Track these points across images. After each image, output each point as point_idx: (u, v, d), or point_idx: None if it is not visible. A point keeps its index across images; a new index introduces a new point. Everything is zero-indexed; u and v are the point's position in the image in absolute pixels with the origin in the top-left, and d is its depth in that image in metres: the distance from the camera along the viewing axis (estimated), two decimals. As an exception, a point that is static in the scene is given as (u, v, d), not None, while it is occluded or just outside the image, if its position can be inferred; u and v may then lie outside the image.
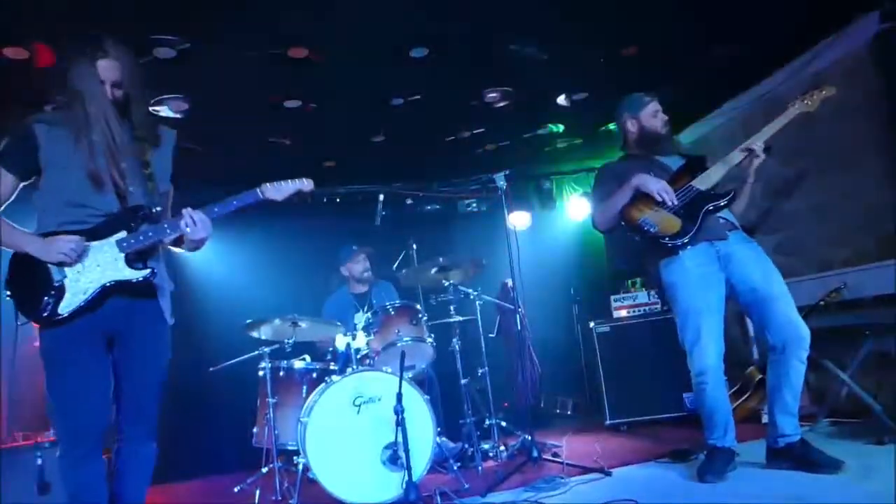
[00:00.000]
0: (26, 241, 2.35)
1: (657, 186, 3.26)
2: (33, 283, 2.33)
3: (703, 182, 3.29)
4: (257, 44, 3.87)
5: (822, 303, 4.15)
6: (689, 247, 3.23)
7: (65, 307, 2.32)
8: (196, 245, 2.59)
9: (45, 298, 2.31)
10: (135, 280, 2.42)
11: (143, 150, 2.49)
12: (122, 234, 2.43)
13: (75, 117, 2.37)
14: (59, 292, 2.32)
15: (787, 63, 4.89)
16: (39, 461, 4.20)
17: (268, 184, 2.69)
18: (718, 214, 3.29)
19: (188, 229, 2.47)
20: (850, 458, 3.02)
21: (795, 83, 4.82)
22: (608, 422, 5.23)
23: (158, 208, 2.51)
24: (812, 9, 4.15)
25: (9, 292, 2.35)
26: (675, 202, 3.24)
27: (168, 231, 2.49)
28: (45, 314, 2.30)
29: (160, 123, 2.64)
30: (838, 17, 4.34)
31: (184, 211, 2.48)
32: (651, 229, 3.27)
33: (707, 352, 3.21)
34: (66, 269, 2.34)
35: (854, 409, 4.08)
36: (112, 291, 2.39)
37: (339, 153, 5.81)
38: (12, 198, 2.46)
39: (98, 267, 2.38)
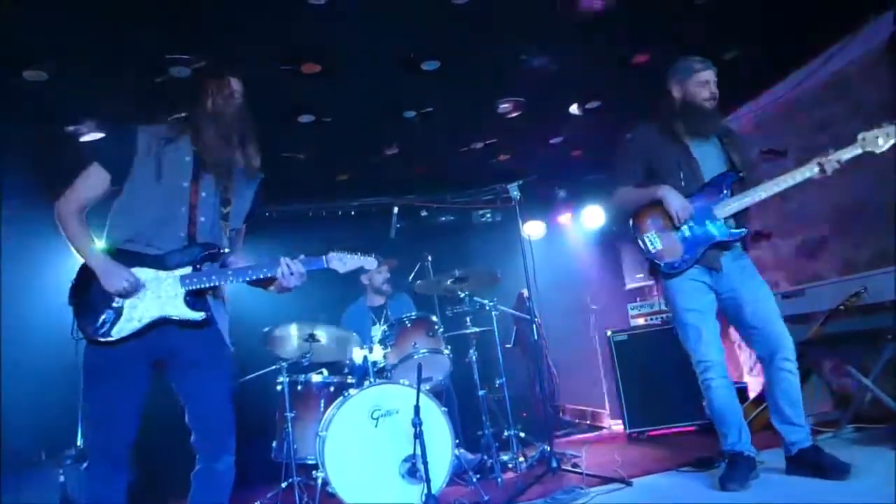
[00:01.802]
0: (92, 257, 2.39)
1: (677, 208, 3.21)
2: (95, 299, 2.37)
3: (723, 209, 3.22)
4: (270, 60, 3.91)
5: (842, 307, 4.10)
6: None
7: (117, 331, 2.35)
8: (285, 291, 2.61)
9: (103, 318, 2.35)
10: (188, 320, 2.44)
11: (228, 187, 2.55)
12: (187, 269, 2.45)
13: (178, 135, 2.48)
14: (117, 314, 2.36)
15: (802, 65, 4.86)
16: (62, 478, 4.24)
17: (334, 254, 2.64)
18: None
19: (283, 279, 2.51)
20: (875, 463, 2.98)
21: (811, 85, 4.79)
22: (628, 431, 5.19)
23: (227, 249, 2.57)
24: (826, 11, 4.13)
25: (73, 303, 2.39)
26: (688, 227, 3.23)
27: (231, 280, 2.51)
28: (100, 333, 2.34)
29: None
30: (852, 18, 4.32)
31: (282, 260, 2.51)
32: (652, 248, 3.30)
33: (710, 347, 3.22)
34: None
35: (879, 415, 4.02)
36: (164, 323, 2.42)
37: (353, 166, 5.84)
38: (101, 197, 2.48)
39: (158, 298, 2.41)
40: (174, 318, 2.42)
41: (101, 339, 2.34)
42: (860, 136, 3.05)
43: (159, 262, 2.43)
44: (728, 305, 3.27)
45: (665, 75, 3.44)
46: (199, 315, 2.45)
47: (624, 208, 3.44)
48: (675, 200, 3.23)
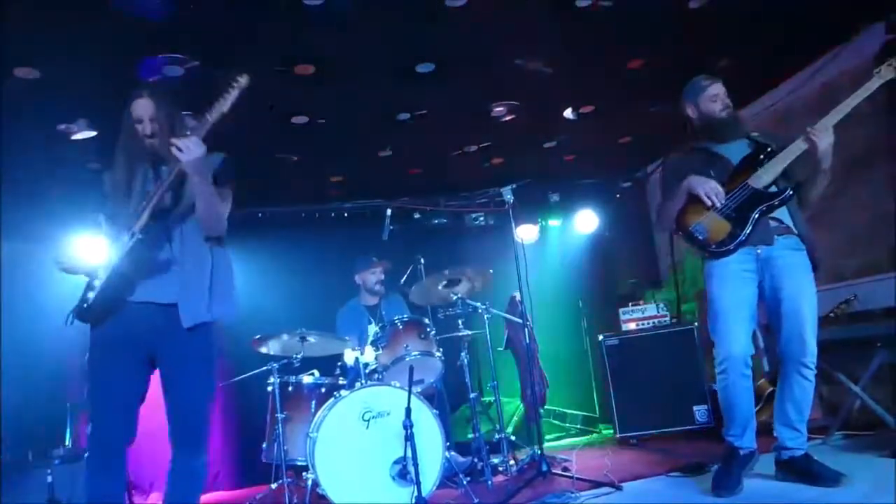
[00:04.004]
0: None
1: (705, 188, 3.18)
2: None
3: (758, 179, 3.16)
4: (264, 61, 3.90)
5: (832, 314, 4.12)
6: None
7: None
8: (195, 168, 2.49)
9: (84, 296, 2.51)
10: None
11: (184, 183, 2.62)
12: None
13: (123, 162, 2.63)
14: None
15: (794, 74, 4.89)
16: (49, 478, 4.21)
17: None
18: (771, 216, 3.19)
19: (182, 155, 2.42)
20: (863, 471, 2.99)
21: (803, 94, 4.82)
22: (618, 435, 5.20)
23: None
24: (819, 20, 4.16)
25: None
26: (723, 203, 3.16)
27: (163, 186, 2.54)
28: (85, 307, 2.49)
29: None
30: (844, 28, 4.35)
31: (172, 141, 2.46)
32: (700, 236, 3.24)
33: (732, 340, 3.17)
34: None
35: (867, 422, 4.05)
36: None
37: (346, 168, 5.84)
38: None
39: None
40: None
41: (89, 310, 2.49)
42: (875, 70, 3.08)
43: None
44: (768, 295, 3.21)
45: (680, 96, 3.46)
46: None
47: (667, 220, 3.41)
48: (698, 182, 3.21)
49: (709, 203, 3.18)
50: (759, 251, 3.18)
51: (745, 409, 3.21)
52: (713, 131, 3.35)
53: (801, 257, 3.22)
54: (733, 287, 3.20)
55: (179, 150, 2.42)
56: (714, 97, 3.34)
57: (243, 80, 2.62)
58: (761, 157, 3.21)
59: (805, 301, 3.15)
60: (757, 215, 3.15)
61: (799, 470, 3.09)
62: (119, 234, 2.51)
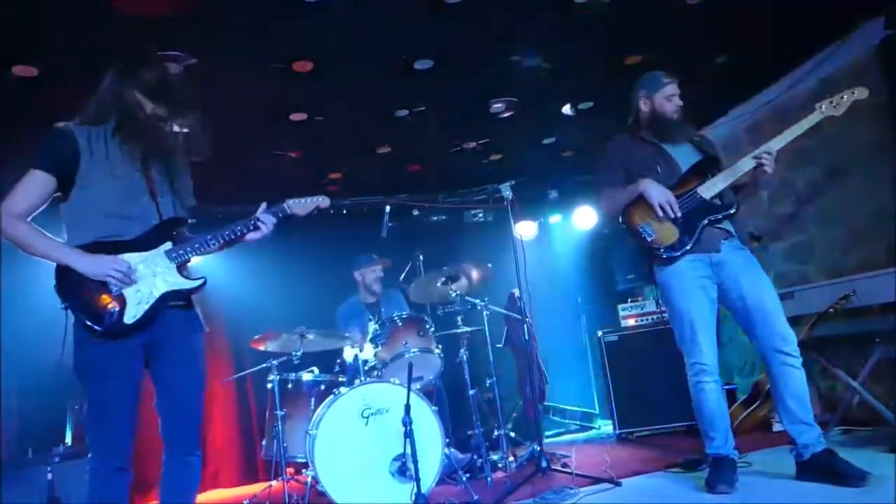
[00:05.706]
0: (65, 254, 2.32)
1: (660, 198, 3.22)
2: (92, 293, 2.31)
3: (708, 189, 3.25)
4: (262, 58, 3.89)
5: (831, 310, 4.12)
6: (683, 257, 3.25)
7: (130, 316, 2.34)
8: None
9: (110, 309, 2.31)
10: (189, 288, 2.50)
11: (171, 165, 2.58)
12: (168, 244, 2.48)
13: (119, 127, 2.44)
14: (121, 302, 2.34)
15: (792, 70, 4.88)
16: (49, 476, 4.21)
17: (291, 201, 2.80)
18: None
19: (258, 233, 2.67)
20: (862, 466, 2.98)
21: (801, 90, 4.81)
22: (617, 431, 5.21)
23: (193, 220, 2.63)
24: (817, 15, 4.15)
25: (66, 304, 2.31)
26: (677, 214, 3.22)
27: (213, 244, 2.57)
28: (111, 323, 2.30)
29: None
30: (843, 23, 4.34)
31: (255, 217, 2.66)
32: (648, 238, 3.29)
33: (706, 349, 3.21)
34: None
35: (866, 417, 4.05)
36: (167, 300, 2.43)
37: (344, 165, 5.83)
38: (44, 204, 2.40)
39: (154, 276, 2.42)
40: (177, 290, 2.45)
41: (117, 329, 2.30)
42: (817, 105, 3.17)
43: (139, 245, 2.42)
44: (730, 297, 3.24)
45: (634, 88, 3.51)
46: (198, 281, 2.52)
47: (612, 208, 3.45)
48: (654, 191, 3.24)
49: (661, 215, 3.24)
50: (711, 256, 3.24)
51: (725, 417, 3.24)
52: (662, 130, 3.41)
53: (747, 255, 3.30)
54: (696, 295, 3.24)
55: (264, 224, 2.66)
56: (670, 97, 3.40)
57: (326, 202, 2.87)
58: (709, 166, 3.31)
59: (766, 294, 3.19)
60: (705, 223, 3.23)
61: (822, 468, 2.96)
62: (89, 216, 2.36)
